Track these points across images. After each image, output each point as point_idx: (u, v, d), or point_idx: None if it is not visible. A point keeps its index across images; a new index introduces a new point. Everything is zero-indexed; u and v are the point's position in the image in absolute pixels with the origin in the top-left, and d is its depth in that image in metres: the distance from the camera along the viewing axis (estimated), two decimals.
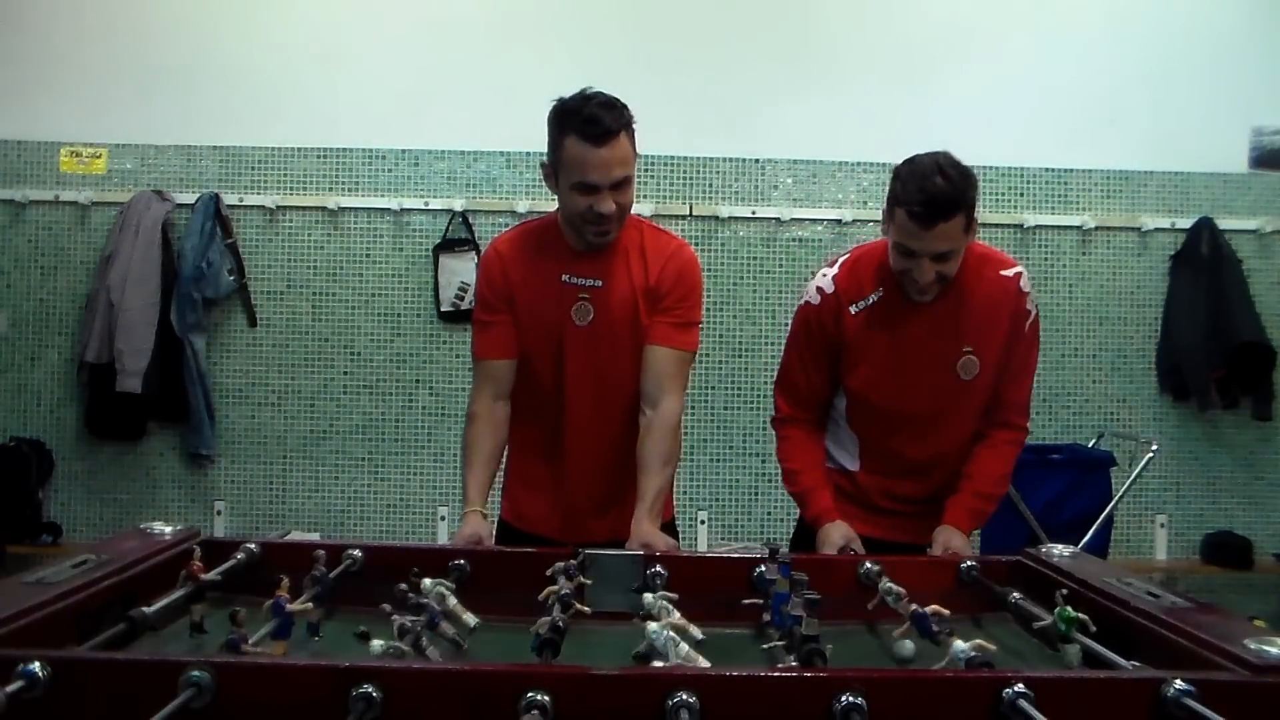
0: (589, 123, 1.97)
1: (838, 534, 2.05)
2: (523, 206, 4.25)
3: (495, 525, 2.21)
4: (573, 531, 2.15)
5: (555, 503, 2.22)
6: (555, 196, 2.11)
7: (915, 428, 2.16)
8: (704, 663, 1.21)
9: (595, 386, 2.15)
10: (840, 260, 2.18)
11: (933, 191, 1.91)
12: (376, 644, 1.22)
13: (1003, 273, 2.13)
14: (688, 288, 2.15)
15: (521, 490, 2.26)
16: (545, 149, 2.08)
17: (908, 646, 1.43)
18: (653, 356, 2.12)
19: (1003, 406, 2.18)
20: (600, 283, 2.13)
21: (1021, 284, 2.13)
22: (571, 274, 2.13)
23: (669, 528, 2.30)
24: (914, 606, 1.43)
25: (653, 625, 1.31)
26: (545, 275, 2.14)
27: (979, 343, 2.10)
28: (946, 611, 1.40)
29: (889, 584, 1.55)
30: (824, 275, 2.17)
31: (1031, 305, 2.15)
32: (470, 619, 1.44)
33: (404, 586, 1.42)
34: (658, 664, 1.23)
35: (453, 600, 1.45)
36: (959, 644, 1.24)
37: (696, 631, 1.29)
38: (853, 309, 2.12)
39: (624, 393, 2.15)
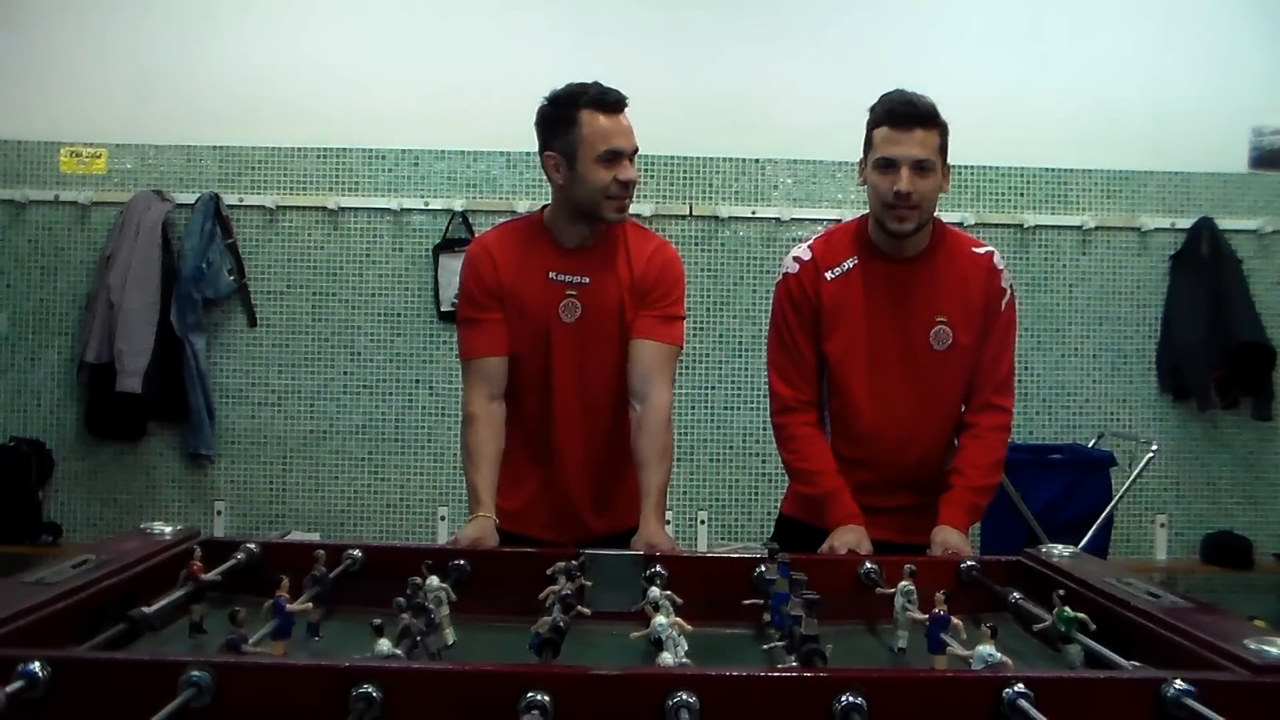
0: (606, 93, 2.05)
1: (850, 535, 1.99)
2: (523, 206, 4.24)
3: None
4: (564, 530, 2.15)
5: (544, 501, 2.21)
6: (559, 187, 2.10)
7: (891, 405, 2.14)
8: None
9: (582, 383, 2.16)
10: (815, 236, 2.25)
11: (909, 99, 2.07)
12: (383, 644, 1.22)
13: (974, 250, 2.18)
14: (671, 282, 2.17)
15: (509, 490, 2.19)
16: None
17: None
18: (640, 350, 2.12)
19: (983, 386, 2.17)
20: (588, 280, 2.13)
21: (995, 261, 2.16)
22: (558, 271, 2.13)
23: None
24: (936, 611, 1.39)
25: (660, 619, 1.31)
26: (533, 273, 2.14)
27: (952, 313, 2.12)
28: (960, 624, 1.38)
29: (909, 585, 1.50)
30: (800, 247, 2.22)
31: (1007, 285, 2.17)
32: (449, 636, 1.45)
33: (417, 580, 1.43)
34: (664, 656, 1.23)
35: (445, 609, 1.46)
36: (984, 648, 1.22)
37: (684, 644, 1.29)
38: (828, 275, 2.15)
39: (611, 389, 2.16)
